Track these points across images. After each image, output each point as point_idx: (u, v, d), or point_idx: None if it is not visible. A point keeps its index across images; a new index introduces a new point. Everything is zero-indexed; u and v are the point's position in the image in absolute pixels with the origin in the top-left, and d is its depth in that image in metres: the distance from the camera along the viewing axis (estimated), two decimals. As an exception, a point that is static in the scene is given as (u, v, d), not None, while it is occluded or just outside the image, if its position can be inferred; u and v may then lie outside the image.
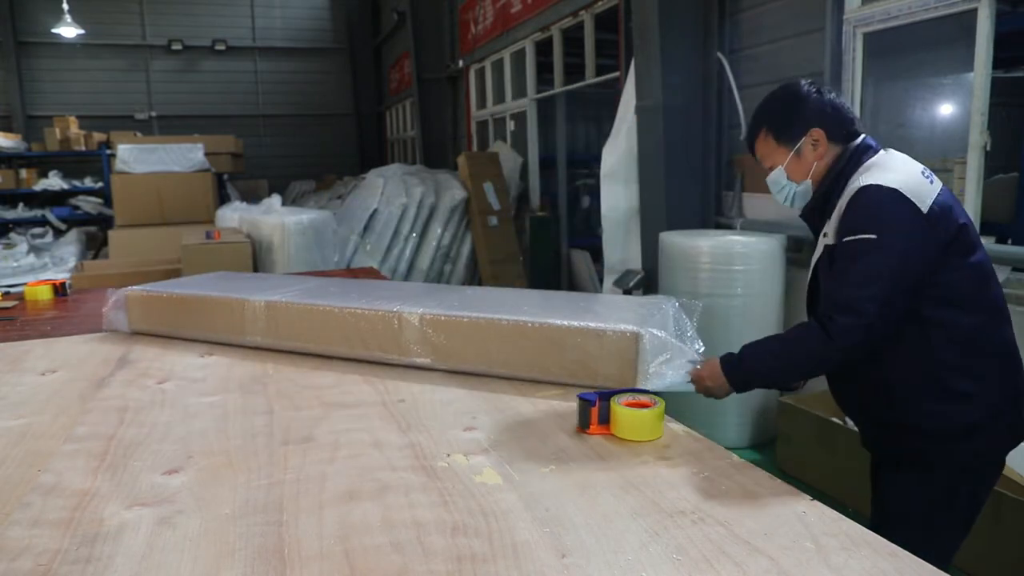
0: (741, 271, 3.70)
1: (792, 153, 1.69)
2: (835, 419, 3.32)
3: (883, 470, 1.71)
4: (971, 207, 3.18)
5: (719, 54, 4.40)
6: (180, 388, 1.85)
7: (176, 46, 14.33)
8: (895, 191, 1.49)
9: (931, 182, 1.56)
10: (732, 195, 4.44)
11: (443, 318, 1.86)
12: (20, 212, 10.35)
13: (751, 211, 4.33)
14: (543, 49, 7.71)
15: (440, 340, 1.87)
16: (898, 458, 1.65)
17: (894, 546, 1.07)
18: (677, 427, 1.55)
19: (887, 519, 1.63)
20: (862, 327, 1.46)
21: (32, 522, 1.17)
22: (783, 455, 3.46)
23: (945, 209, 1.52)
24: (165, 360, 2.09)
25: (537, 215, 7.72)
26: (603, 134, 5.64)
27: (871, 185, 1.50)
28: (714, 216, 4.55)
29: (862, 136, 1.67)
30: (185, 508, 1.21)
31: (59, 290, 3.17)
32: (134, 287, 2.42)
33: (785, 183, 1.73)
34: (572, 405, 1.67)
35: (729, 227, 4.32)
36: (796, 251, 4.00)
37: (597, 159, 5.38)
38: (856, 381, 1.65)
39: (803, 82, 1.73)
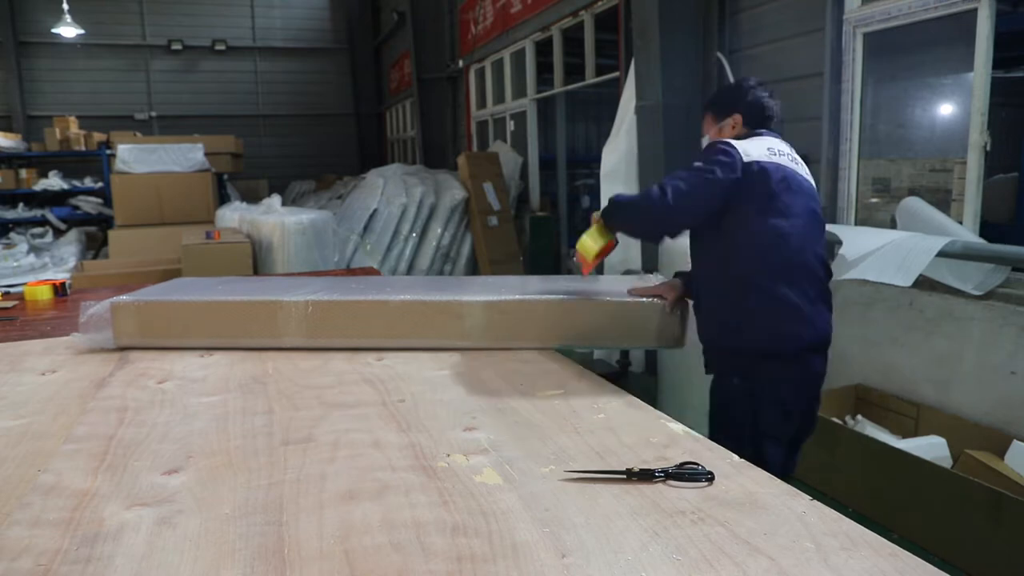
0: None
1: (716, 128, 2.21)
2: (835, 419, 3.32)
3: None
4: (971, 207, 3.18)
5: (719, 54, 4.40)
6: (180, 388, 1.85)
7: (176, 46, 14.33)
8: (727, 142, 2.02)
9: (773, 154, 2.02)
10: (732, 195, 4.44)
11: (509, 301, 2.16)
12: (20, 212, 10.34)
13: (751, 211, 4.32)
14: (543, 49, 7.71)
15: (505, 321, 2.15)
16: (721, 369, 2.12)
17: (894, 546, 1.07)
18: (677, 427, 1.55)
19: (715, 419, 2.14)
20: (670, 197, 1.95)
21: (32, 522, 1.17)
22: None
23: (766, 169, 1.98)
24: (165, 360, 2.09)
25: (537, 215, 7.73)
26: (603, 134, 5.64)
27: (720, 140, 2.06)
28: (714, 216, 4.54)
29: (767, 131, 2.14)
30: (185, 508, 1.21)
31: (59, 290, 3.17)
32: (118, 297, 2.22)
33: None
34: (572, 405, 1.68)
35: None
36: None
37: (597, 159, 5.38)
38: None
39: (751, 81, 2.21)
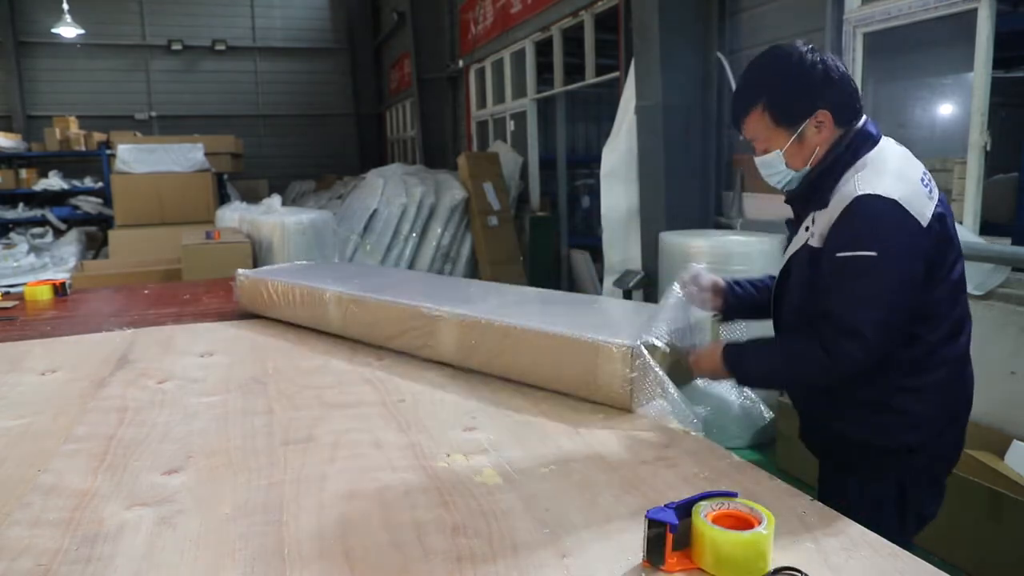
0: (741, 271, 3.67)
1: (793, 137, 1.47)
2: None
3: (825, 470, 1.68)
4: (971, 207, 3.18)
5: (719, 54, 4.40)
6: (180, 388, 1.84)
7: (176, 46, 14.33)
8: (896, 204, 1.34)
9: (930, 191, 1.42)
10: (732, 195, 4.44)
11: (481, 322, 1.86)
12: (20, 212, 10.34)
13: (751, 211, 4.33)
14: (543, 49, 7.71)
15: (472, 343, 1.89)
16: (842, 463, 1.59)
17: (894, 546, 1.07)
18: (677, 427, 1.55)
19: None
20: (863, 354, 1.38)
21: (32, 522, 1.17)
22: (783, 455, 3.46)
23: (941, 222, 1.41)
24: (165, 360, 2.09)
25: (537, 215, 7.73)
26: (603, 134, 5.64)
27: (870, 195, 1.35)
28: (714, 216, 4.55)
29: (863, 119, 1.48)
30: (185, 508, 1.21)
31: (59, 290, 3.17)
32: (244, 271, 2.68)
33: (782, 169, 1.51)
34: (572, 405, 1.67)
35: (729, 227, 4.32)
36: (796, 251, 4.00)
37: (597, 159, 5.38)
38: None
39: (803, 48, 1.47)
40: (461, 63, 9.82)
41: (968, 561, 2.55)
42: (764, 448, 3.77)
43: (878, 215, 1.34)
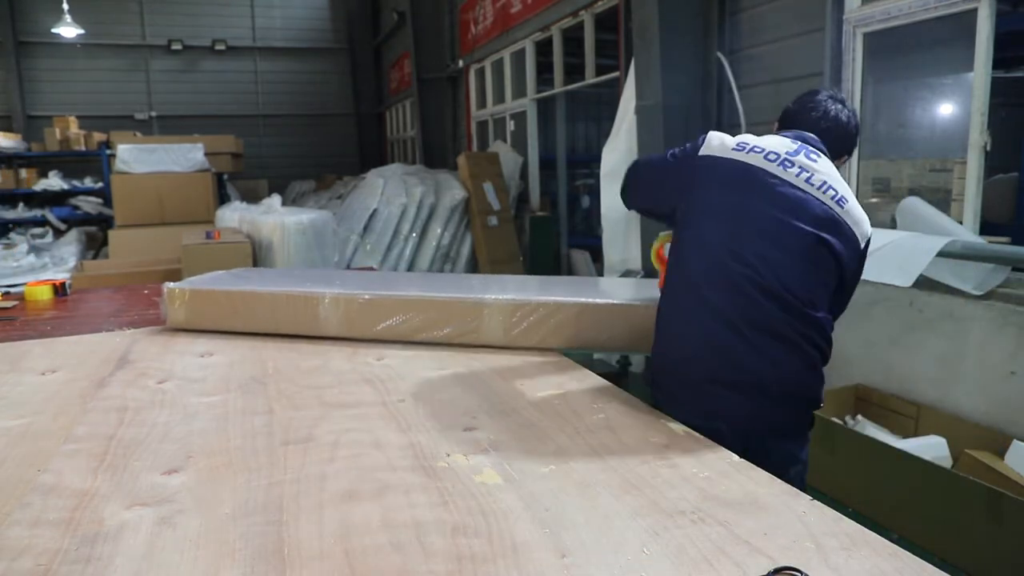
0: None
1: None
2: (835, 419, 3.32)
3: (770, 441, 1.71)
4: (971, 207, 3.18)
5: (719, 54, 4.40)
6: (180, 388, 1.84)
7: (176, 46, 14.32)
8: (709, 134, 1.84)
9: (742, 150, 1.73)
10: (732, 195, 4.43)
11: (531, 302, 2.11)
12: (20, 212, 10.34)
13: (751, 211, 4.32)
14: (543, 49, 7.71)
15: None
16: (783, 428, 1.73)
17: (894, 546, 1.07)
18: (677, 427, 1.55)
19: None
20: (631, 177, 1.96)
21: (32, 522, 1.17)
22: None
23: (711, 144, 1.79)
24: (165, 360, 2.09)
25: (537, 215, 7.73)
26: (603, 134, 5.65)
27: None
28: (714, 216, 4.54)
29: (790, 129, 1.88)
30: (185, 508, 1.21)
31: (59, 290, 3.17)
32: (171, 284, 2.43)
33: None
34: (572, 405, 1.68)
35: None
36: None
37: (597, 159, 5.38)
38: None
39: (825, 95, 1.89)
40: (461, 63, 9.82)
41: (968, 561, 2.55)
42: (764, 448, 3.77)
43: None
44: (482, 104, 9.55)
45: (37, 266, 8.08)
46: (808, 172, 1.69)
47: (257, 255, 5.29)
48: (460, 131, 10.32)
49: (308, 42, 15.33)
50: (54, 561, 1.06)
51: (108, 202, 9.24)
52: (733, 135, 1.79)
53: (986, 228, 3.25)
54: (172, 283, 2.42)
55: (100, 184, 10.52)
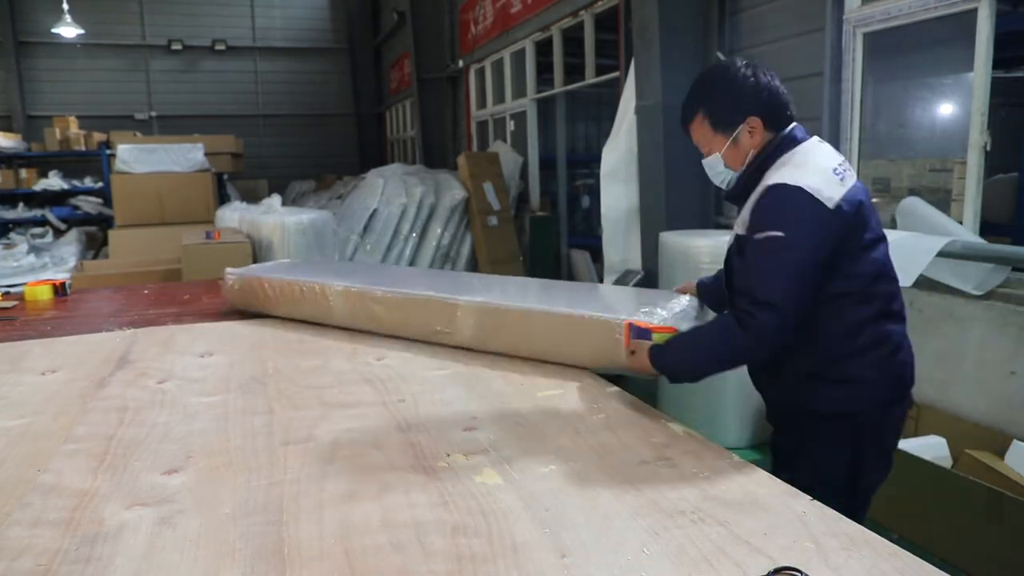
0: (741, 271, 3.69)
1: (729, 141, 1.67)
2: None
3: (784, 443, 1.76)
4: (971, 207, 3.18)
5: (719, 54, 4.40)
6: (180, 388, 1.84)
7: (176, 46, 14.32)
8: (800, 190, 1.52)
9: (842, 179, 1.58)
10: (732, 195, 4.44)
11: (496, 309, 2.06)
12: (20, 212, 10.34)
13: (751, 211, 4.32)
14: (543, 49, 7.71)
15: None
16: (799, 434, 1.69)
17: (894, 546, 1.07)
18: (677, 427, 1.55)
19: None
20: (777, 319, 1.51)
21: (32, 522, 1.17)
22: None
23: (854, 205, 1.57)
24: (165, 360, 2.09)
25: (537, 215, 7.72)
26: (603, 134, 5.65)
27: (778, 184, 1.55)
28: (714, 216, 4.55)
29: (792, 125, 1.69)
30: (185, 508, 1.21)
31: (59, 290, 3.17)
32: (230, 269, 2.71)
33: (723, 170, 1.72)
34: (572, 405, 1.68)
35: (729, 227, 4.31)
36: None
37: (597, 159, 5.37)
38: (757, 366, 1.75)
39: (739, 63, 1.70)
40: (461, 63, 9.82)
41: (968, 561, 2.55)
42: (764, 448, 3.78)
43: (784, 199, 1.54)
44: (482, 104, 9.55)
45: (37, 266, 8.08)
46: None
47: (257, 255, 5.28)
48: (460, 131, 10.32)
49: (308, 42, 15.34)
50: (54, 561, 1.06)
51: (108, 202, 9.24)
52: None
53: (986, 228, 3.25)
54: (230, 268, 2.70)
55: (100, 184, 10.52)
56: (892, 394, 1.65)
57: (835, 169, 1.59)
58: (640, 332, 1.71)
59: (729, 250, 1.74)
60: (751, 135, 1.66)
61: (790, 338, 1.55)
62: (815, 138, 1.70)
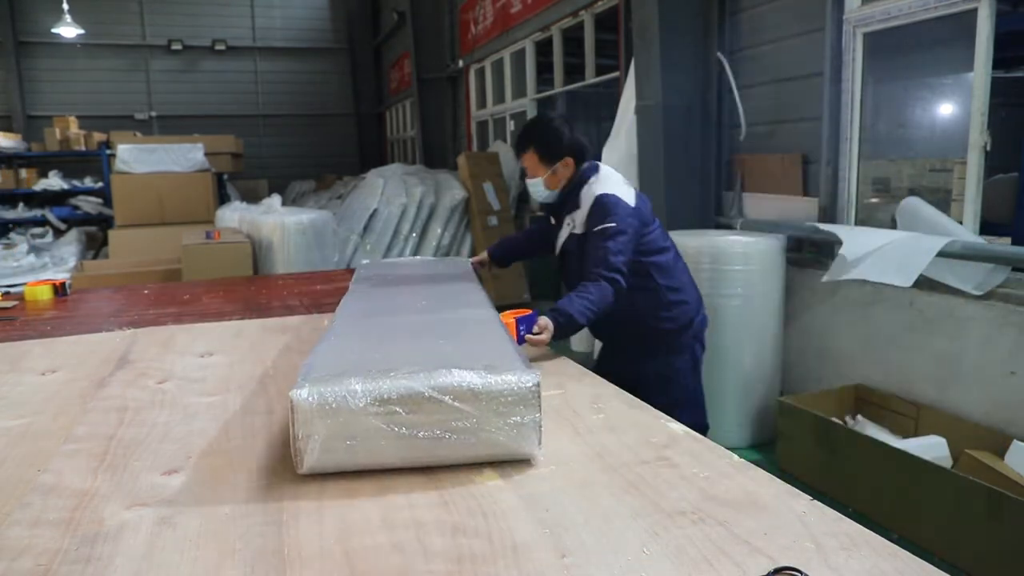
0: (741, 271, 3.70)
1: (550, 171, 2.48)
2: (835, 419, 3.32)
3: (640, 362, 2.59)
4: (971, 207, 3.18)
5: (719, 54, 4.40)
6: (180, 388, 1.84)
7: (176, 46, 14.33)
8: (616, 196, 2.38)
9: (630, 188, 2.49)
10: (732, 195, 4.44)
11: None
12: (20, 212, 10.34)
13: (751, 211, 4.33)
14: (543, 49, 7.71)
15: None
16: (655, 351, 2.60)
17: (894, 546, 1.07)
18: (677, 427, 1.55)
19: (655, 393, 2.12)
20: (625, 282, 2.28)
21: (32, 522, 1.17)
22: (783, 455, 3.46)
23: (641, 203, 2.49)
24: (165, 360, 2.09)
25: (537, 215, 7.72)
26: (603, 134, 5.64)
27: (603, 194, 2.38)
28: (714, 216, 4.55)
29: (590, 161, 2.52)
30: (185, 508, 1.21)
31: (59, 290, 3.17)
32: (365, 262, 2.77)
33: (542, 189, 2.53)
34: (572, 405, 1.68)
35: (729, 227, 4.32)
36: (796, 251, 4.00)
37: (597, 159, 5.36)
38: (615, 316, 2.34)
39: (555, 117, 2.58)
40: (461, 63, 9.82)
41: (968, 561, 2.55)
42: (764, 448, 3.78)
43: (609, 202, 2.36)
44: (482, 104, 9.55)
45: (37, 266, 8.08)
46: None
47: (257, 255, 5.29)
48: (460, 131, 10.32)
49: (308, 42, 15.34)
50: (54, 561, 1.06)
51: (108, 202, 9.25)
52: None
53: (986, 228, 3.25)
54: (365, 262, 2.79)
55: (100, 184, 10.52)
56: (694, 312, 2.65)
57: (625, 182, 2.50)
58: (527, 319, 2.01)
59: (565, 245, 2.53)
60: (565, 168, 2.49)
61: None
62: (605, 166, 2.53)
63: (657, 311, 2.55)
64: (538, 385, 1.30)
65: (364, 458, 1.28)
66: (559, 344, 2.33)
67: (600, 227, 2.31)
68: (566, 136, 2.46)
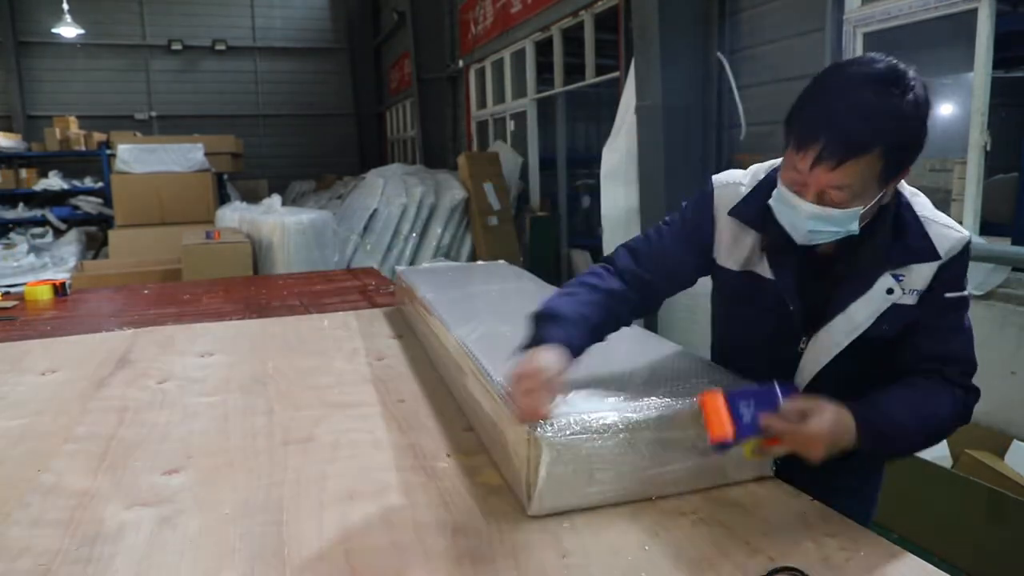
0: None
1: (882, 194, 1.22)
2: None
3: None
4: (971, 207, 3.18)
5: (719, 54, 4.40)
6: (180, 388, 1.84)
7: (176, 46, 14.34)
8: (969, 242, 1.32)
9: None
10: (732, 195, 4.43)
11: None
12: (20, 212, 10.35)
13: (751, 211, 4.32)
14: (543, 49, 7.71)
15: None
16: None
17: (894, 546, 1.07)
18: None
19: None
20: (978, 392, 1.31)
21: (32, 522, 1.17)
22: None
23: None
24: (165, 360, 2.09)
25: (537, 215, 7.72)
26: (603, 134, 5.64)
27: (967, 238, 1.32)
28: (714, 216, 4.54)
29: None
30: (185, 508, 1.21)
31: (59, 290, 3.17)
32: (399, 267, 2.68)
33: (844, 228, 1.21)
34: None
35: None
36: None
37: (597, 159, 5.37)
38: None
39: (915, 82, 1.16)
40: (461, 63, 9.82)
41: (968, 561, 2.55)
42: (764, 448, 3.78)
43: (967, 255, 1.33)
44: (482, 104, 9.55)
45: (37, 266, 8.09)
46: None
47: (257, 255, 5.29)
48: (460, 131, 10.32)
49: (308, 42, 15.34)
50: (54, 561, 1.06)
51: (108, 202, 9.25)
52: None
53: (986, 228, 3.25)
54: (400, 267, 2.61)
55: (100, 184, 10.53)
56: None
57: None
58: (753, 394, 1.14)
59: (874, 325, 1.28)
60: (892, 188, 1.26)
61: None
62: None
63: None
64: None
65: (598, 496, 1.17)
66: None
67: (957, 295, 1.29)
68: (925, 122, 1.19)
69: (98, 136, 10.88)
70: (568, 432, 1.13)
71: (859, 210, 1.19)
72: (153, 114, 14.33)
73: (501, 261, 2.72)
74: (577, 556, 1.05)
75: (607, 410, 1.17)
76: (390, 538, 1.10)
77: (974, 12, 3.05)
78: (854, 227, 1.21)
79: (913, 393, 1.26)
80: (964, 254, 1.31)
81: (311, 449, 1.44)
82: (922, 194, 1.37)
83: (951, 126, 4.00)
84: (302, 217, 5.54)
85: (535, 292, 2.09)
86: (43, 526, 1.16)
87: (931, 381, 1.27)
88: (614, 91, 5.84)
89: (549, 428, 1.12)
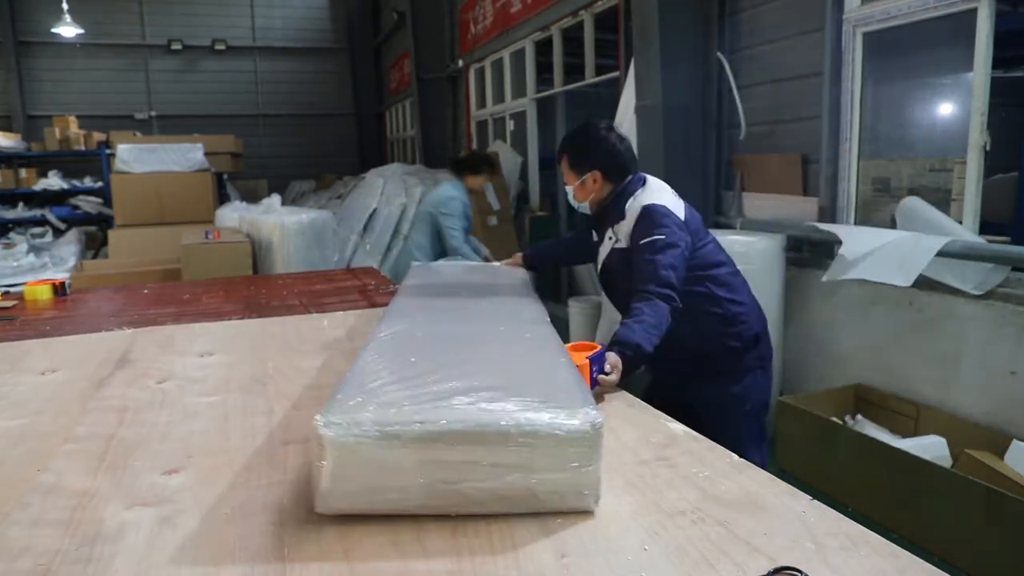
0: (741, 270, 3.69)
1: (578, 182, 2.28)
2: (835, 419, 3.32)
3: (695, 389, 2.30)
4: (971, 207, 3.18)
5: (719, 54, 4.40)
6: (180, 388, 1.84)
7: (176, 46, 14.33)
8: (665, 207, 2.14)
9: (679, 200, 2.25)
10: (732, 195, 4.44)
11: None
12: (20, 212, 10.34)
13: (751, 211, 4.33)
14: (543, 49, 7.71)
15: None
16: (715, 374, 2.29)
17: (894, 546, 1.07)
18: (677, 427, 1.55)
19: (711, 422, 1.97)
20: (679, 298, 2.01)
21: (32, 522, 1.17)
22: (783, 455, 3.46)
23: (691, 216, 2.24)
24: (165, 360, 2.09)
25: (537, 215, 7.72)
26: (603, 134, 5.65)
27: (649, 204, 2.15)
28: (714, 216, 4.55)
29: (632, 175, 2.26)
30: (185, 508, 1.21)
31: (59, 290, 3.17)
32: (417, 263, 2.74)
33: (572, 199, 2.35)
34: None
35: (729, 227, 4.32)
36: (796, 251, 4.00)
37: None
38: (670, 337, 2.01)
39: (601, 125, 2.29)
40: (461, 63, 9.81)
41: (968, 561, 2.55)
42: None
43: (657, 212, 2.13)
44: (482, 104, 9.55)
45: (37, 266, 8.08)
46: None
47: (257, 255, 5.29)
48: (460, 131, 10.31)
49: (308, 42, 15.34)
50: (54, 561, 1.06)
51: (108, 202, 9.24)
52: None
53: (986, 228, 3.25)
54: (416, 263, 2.74)
55: (100, 184, 10.52)
56: (759, 329, 2.35)
57: (673, 194, 2.25)
58: (597, 358, 1.70)
59: (607, 261, 2.29)
60: (593, 183, 2.27)
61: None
62: (653, 178, 2.29)
63: (719, 327, 2.25)
64: (602, 425, 1.12)
65: (390, 503, 1.12)
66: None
67: (648, 239, 2.06)
68: (603, 149, 2.23)
69: (98, 136, 10.88)
70: (355, 432, 1.10)
71: (569, 188, 2.33)
72: (153, 114, 14.32)
73: (520, 270, 2.72)
74: (577, 556, 1.05)
75: (405, 417, 1.11)
76: (390, 538, 1.10)
77: (974, 12, 3.05)
78: (571, 198, 2.35)
79: (632, 315, 1.95)
80: (644, 216, 2.13)
81: (311, 449, 1.44)
82: (661, 188, 2.24)
83: (951, 126, 3.99)
84: (302, 217, 5.53)
85: (513, 301, 2.11)
86: (43, 526, 1.16)
87: (644, 302, 1.97)
88: (614, 91, 5.83)
89: (336, 427, 1.11)
